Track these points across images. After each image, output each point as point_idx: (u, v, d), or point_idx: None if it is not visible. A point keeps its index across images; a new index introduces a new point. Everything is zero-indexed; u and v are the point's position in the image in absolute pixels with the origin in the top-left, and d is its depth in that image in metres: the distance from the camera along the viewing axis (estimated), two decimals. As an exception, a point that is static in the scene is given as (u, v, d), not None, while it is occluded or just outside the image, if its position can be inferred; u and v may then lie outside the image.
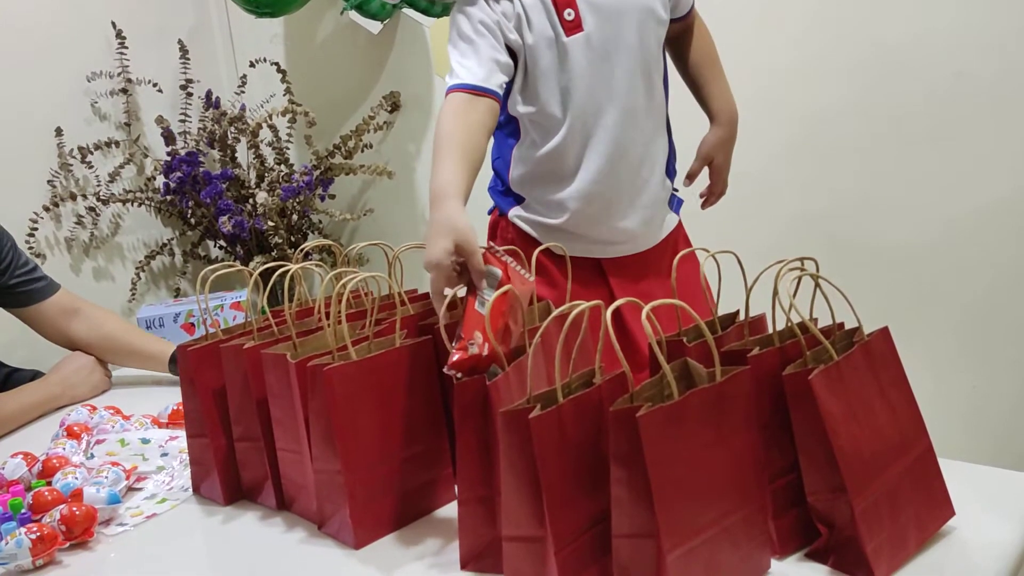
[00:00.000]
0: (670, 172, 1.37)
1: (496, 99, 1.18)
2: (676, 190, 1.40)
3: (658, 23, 1.26)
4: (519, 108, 1.28)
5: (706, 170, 1.39)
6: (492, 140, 1.38)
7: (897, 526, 0.80)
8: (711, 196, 1.39)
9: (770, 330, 0.88)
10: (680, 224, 1.42)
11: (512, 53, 1.22)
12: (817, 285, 0.86)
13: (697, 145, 1.38)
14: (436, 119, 1.17)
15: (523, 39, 1.21)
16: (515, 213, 1.37)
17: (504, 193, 1.38)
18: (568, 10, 1.19)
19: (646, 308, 0.72)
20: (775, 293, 0.84)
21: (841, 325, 0.89)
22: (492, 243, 1.26)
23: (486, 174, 1.42)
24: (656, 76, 1.29)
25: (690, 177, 1.37)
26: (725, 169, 1.37)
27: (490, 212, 1.44)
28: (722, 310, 0.98)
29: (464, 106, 1.15)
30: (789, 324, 0.85)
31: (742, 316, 0.95)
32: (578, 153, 1.27)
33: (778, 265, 0.87)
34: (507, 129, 1.33)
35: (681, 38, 1.38)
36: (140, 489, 1.11)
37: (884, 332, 0.87)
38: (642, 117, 1.28)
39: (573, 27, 1.20)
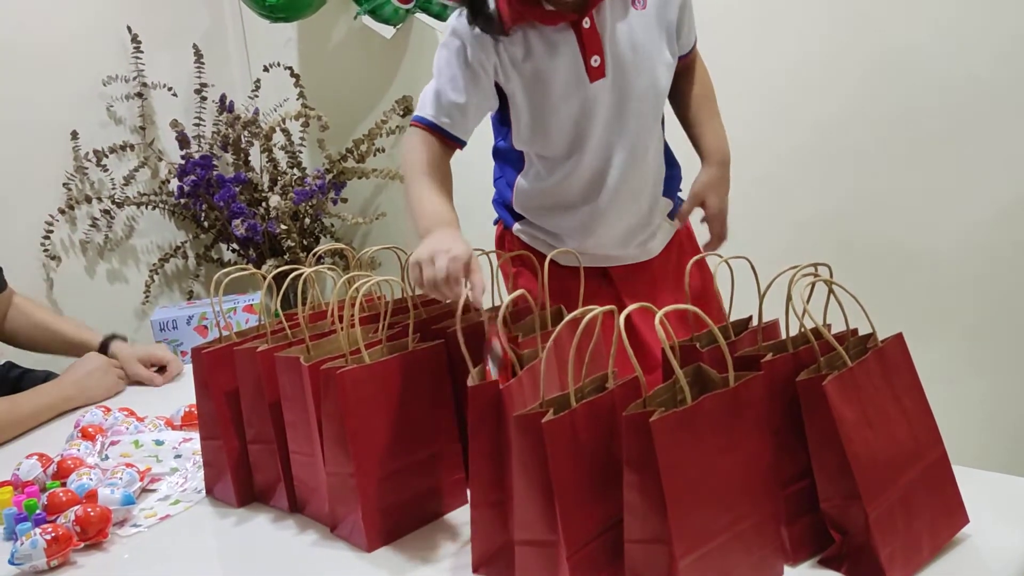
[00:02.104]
0: (673, 191, 1.37)
1: (459, 146, 1.21)
2: (682, 199, 1.40)
3: (668, 67, 1.25)
4: (526, 146, 1.29)
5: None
6: (493, 161, 1.39)
7: (911, 533, 0.79)
8: (712, 240, 1.32)
9: (783, 336, 0.88)
10: (683, 227, 1.43)
11: (500, 91, 1.22)
12: (831, 291, 0.86)
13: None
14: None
15: (535, 85, 1.21)
16: (518, 228, 1.38)
17: (506, 207, 1.40)
18: (595, 56, 1.18)
19: (659, 313, 0.72)
20: (788, 298, 0.84)
21: (855, 331, 0.89)
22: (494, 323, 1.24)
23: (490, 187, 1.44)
24: (661, 113, 1.30)
25: (680, 218, 1.35)
26: (722, 212, 1.30)
27: (496, 223, 1.45)
28: (735, 315, 0.98)
29: (430, 140, 1.19)
30: (802, 330, 0.85)
31: (755, 321, 0.95)
32: (585, 189, 1.28)
33: (791, 270, 0.87)
34: (510, 156, 1.34)
35: (681, 76, 1.32)
36: (154, 490, 1.11)
37: (898, 338, 0.87)
38: (648, 153, 1.28)
39: (597, 73, 1.19)
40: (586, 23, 1.16)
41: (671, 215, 1.37)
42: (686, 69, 1.33)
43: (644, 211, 1.32)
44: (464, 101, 1.18)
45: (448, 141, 1.20)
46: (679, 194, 1.38)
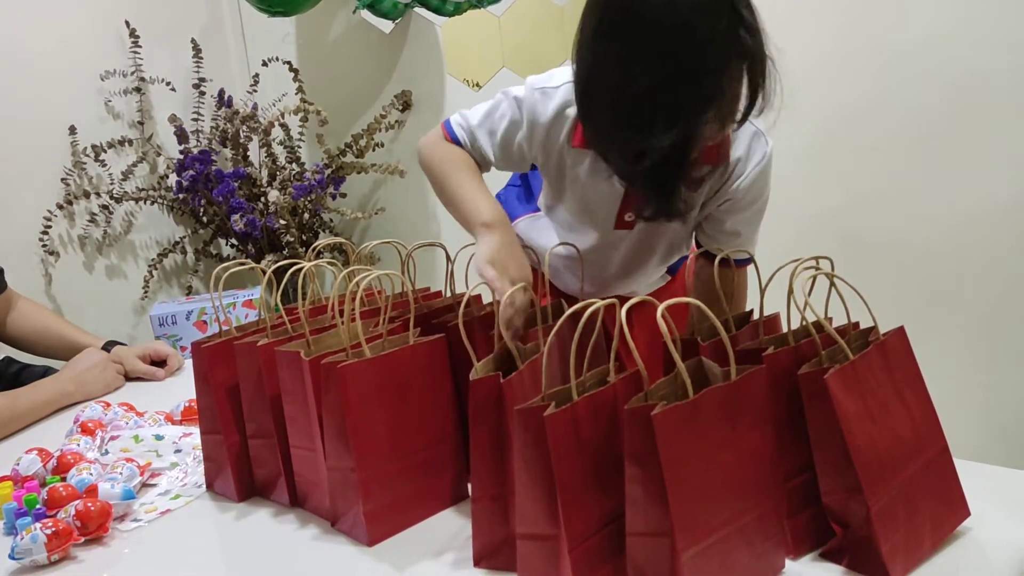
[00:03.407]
0: (675, 267, 1.39)
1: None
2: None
3: (687, 244, 1.26)
4: (542, 206, 1.30)
5: None
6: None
7: (912, 526, 0.79)
8: None
9: (785, 329, 0.88)
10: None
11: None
12: (832, 284, 0.86)
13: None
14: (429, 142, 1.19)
15: (568, 187, 1.19)
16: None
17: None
18: (630, 214, 1.16)
19: (661, 307, 0.72)
20: (790, 292, 0.84)
21: (856, 324, 0.88)
22: None
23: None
24: (676, 255, 1.30)
25: None
26: None
27: None
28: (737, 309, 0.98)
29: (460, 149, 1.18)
30: (804, 323, 0.85)
31: (757, 315, 0.95)
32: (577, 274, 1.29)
33: (793, 263, 0.86)
34: (525, 191, 1.36)
35: (706, 284, 1.18)
36: (154, 485, 1.11)
37: (900, 332, 0.87)
38: (651, 274, 1.31)
39: (625, 225, 1.18)
40: None
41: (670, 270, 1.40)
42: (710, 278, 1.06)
43: (635, 286, 1.35)
44: (491, 159, 1.18)
45: (472, 159, 1.19)
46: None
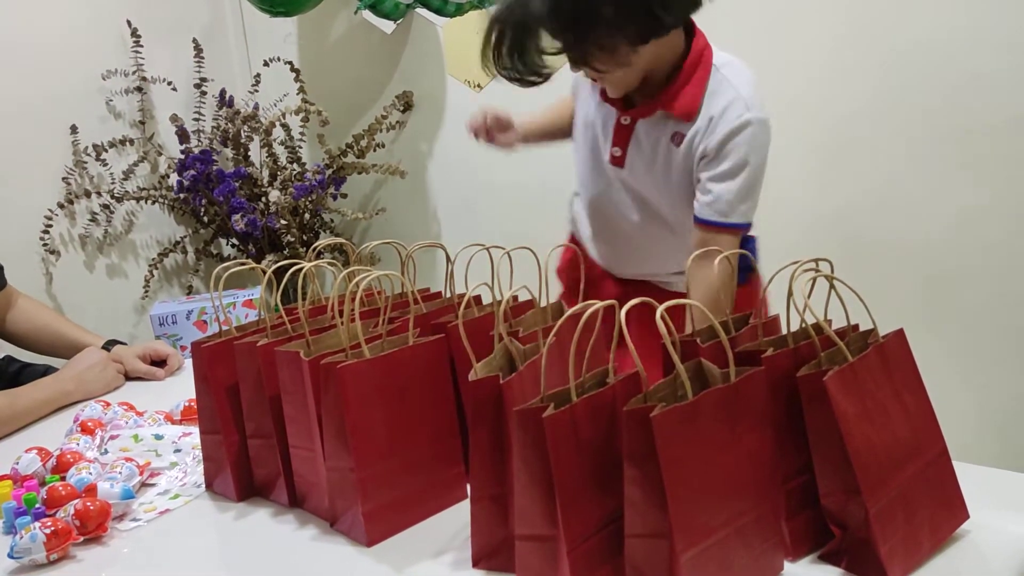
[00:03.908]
0: None
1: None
2: None
3: (685, 203, 1.27)
4: None
5: None
6: None
7: (911, 528, 0.79)
8: None
9: (784, 331, 0.88)
10: None
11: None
12: (832, 286, 0.86)
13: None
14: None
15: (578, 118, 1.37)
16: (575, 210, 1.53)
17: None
18: (617, 148, 1.27)
19: (660, 308, 0.72)
20: (790, 294, 0.84)
21: (856, 326, 0.88)
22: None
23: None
24: (676, 218, 1.33)
25: None
26: None
27: None
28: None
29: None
30: (803, 325, 0.85)
31: (756, 317, 0.95)
32: (590, 221, 1.44)
33: (793, 265, 0.86)
34: None
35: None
36: (153, 485, 1.11)
37: (899, 334, 0.87)
38: (653, 235, 1.36)
39: (616, 161, 1.29)
40: (624, 120, 1.25)
41: None
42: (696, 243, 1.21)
43: (653, 263, 1.41)
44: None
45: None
46: None
